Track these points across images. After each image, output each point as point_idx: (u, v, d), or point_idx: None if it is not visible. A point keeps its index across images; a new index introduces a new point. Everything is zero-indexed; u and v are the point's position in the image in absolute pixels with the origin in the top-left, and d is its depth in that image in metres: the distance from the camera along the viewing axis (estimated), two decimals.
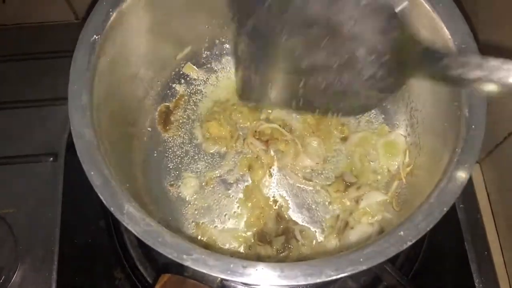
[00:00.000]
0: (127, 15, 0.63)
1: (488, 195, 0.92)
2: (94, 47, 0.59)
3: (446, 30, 0.60)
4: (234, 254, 0.70)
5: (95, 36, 0.59)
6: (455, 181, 0.53)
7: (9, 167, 0.82)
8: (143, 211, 0.52)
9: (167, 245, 0.51)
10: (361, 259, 0.50)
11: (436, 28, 0.61)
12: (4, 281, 0.73)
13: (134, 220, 0.51)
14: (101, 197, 0.52)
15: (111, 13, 0.61)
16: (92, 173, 0.53)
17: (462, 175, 0.54)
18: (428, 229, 0.52)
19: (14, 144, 0.84)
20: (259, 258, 0.70)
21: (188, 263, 0.50)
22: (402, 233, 0.52)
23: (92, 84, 0.58)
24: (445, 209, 0.52)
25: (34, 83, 0.89)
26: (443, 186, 0.53)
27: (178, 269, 0.52)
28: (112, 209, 0.52)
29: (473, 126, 0.55)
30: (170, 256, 0.50)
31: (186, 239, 0.61)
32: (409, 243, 0.51)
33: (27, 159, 0.83)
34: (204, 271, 0.50)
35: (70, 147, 0.81)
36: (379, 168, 0.76)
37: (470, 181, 0.84)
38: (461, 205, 0.80)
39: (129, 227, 0.51)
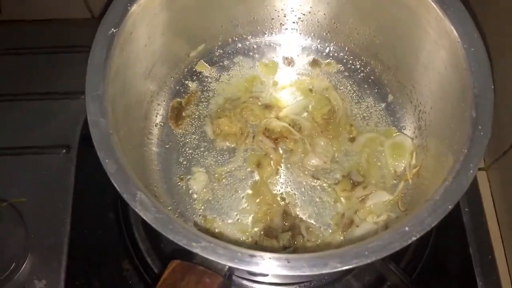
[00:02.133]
0: (144, 11, 0.65)
1: (493, 201, 0.93)
2: (112, 41, 0.61)
3: (455, 33, 0.61)
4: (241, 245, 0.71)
5: (112, 29, 0.61)
6: (461, 180, 0.55)
7: (23, 157, 0.83)
8: (154, 199, 0.54)
9: (177, 232, 0.52)
10: (366, 252, 0.51)
11: (446, 31, 0.63)
12: (14, 269, 0.74)
13: (146, 207, 0.53)
14: (115, 184, 0.54)
15: (129, 8, 0.63)
16: (107, 160, 0.55)
17: (467, 174, 0.55)
18: (433, 225, 0.53)
19: (28, 135, 0.85)
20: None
21: (197, 250, 0.51)
22: (407, 228, 0.52)
23: (108, 77, 0.60)
24: (450, 206, 0.53)
25: (50, 76, 0.91)
26: (448, 185, 0.54)
27: (185, 258, 0.53)
28: (125, 195, 0.53)
29: (479, 127, 0.56)
30: (180, 243, 0.51)
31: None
32: (414, 238, 0.52)
33: (40, 150, 0.84)
34: (213, 258, 0.51)
35: (83, 139, 0.84)
36: (386, 169, 0.77)
37: (475, 186, 0.85)
38: (466, 209, 0.81)
39: (141, 214, 0.52)
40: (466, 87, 0.60)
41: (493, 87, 0.58)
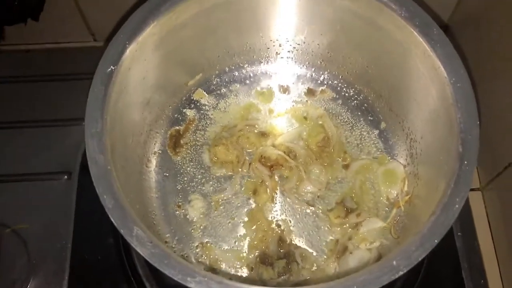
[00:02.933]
0: (141, 48, 0.67)
1: (489, 222, 0.94)
2: (110, 78, 0.63)
3: (443, 69, 0.63)
4: (235, 278, 0.72)
5: (111, 67, 0.63)
6: (447, 214, 0.56)
7: (26, 183, 0.85)
8: (150, 233, 0.56)
9: (172, 267, 0.54)
10: (355, 287, 0.53)
11: (433, 66, 0.65)
12: None
13: (142, 242, 0.55)
14: (112, 220, 0.56)
15: (127, 46, 0.65)
16: (105, 196, 0.57)
17: (453, 208, 0.56)
18: (420, 259, 0.54)
19: (31, 162, 0.87)
20: (261, 280, 0.73)
21: (191, 285, 0.53)
22: (395, 262, 0.54)
23: (107, 112, 0.62)
24: (436, 240, 0.55)
25: (52, 103, 0.93)
26: (435, 219, 0.56)
27: None
28: (122, 231, 0.55)
29: (465, 162, 0.58)
30: (175, 278, 0.53)
31: (190, 262, 0.65)
32: (401, 273, 0.54)
33: (42, 176, 0.86)
34: None
35: (84, 166, 0.85)
36: (379, 196, 0.79)
37: (468, 210, 0.86)
38: (459, 233, 0.82)
39: (138, 249, 0.54)
40: (453, 121, 0.62)
41: (478, 122, 0.60)
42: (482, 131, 0.95)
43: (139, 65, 0.69)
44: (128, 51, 0.65)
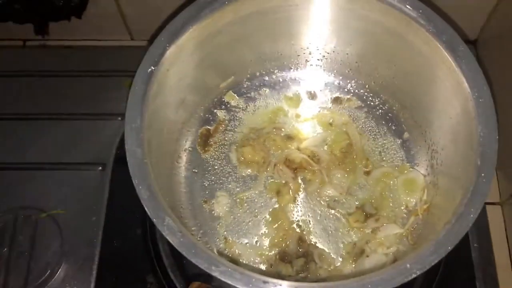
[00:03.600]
0: (180, 50, 0.71)
1: (507, 237, 0.96)
2: (150, 78, 0.67)
3: (466, 84, 0.66)
4: (256, 271, 0.76)
5: (152, 67, 0.68)
6: (461, 223, 0.59)
7: (63, 172, 0.90)
8: (180, 224, 0.60)
9: (199, 256, 0.58)
10: (369, 286, 0.56)
11: (458, 81, 0.67)
12: (49, 276, 0.80)
13: (173, 231, 0.59)
14: (146, 209, 0.60)
15: (167, 48, 0.69)
16: (141, 187, 0.61)
17: (468, 218, 0.59)
18: (433, 263, 0.57)
19: (69, 152, 0.91)
20: (280, 277, 0.76)
21: (216, 274, 0.57)
22: (408, 265, 0.57)
23: (145, 109, 0.66)
24: (449, 247, 0.58)
25: (91, 98, 0.98)
26: (450, 227, 0.59)
27: (205, 279, 0.59)
28: (154, 220, 0.59)
29: (483, 175, 0.61)
30: (201, 266, 0.57)
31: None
32: (414, 275, 0.56)
33: (79, 166, 0.90)
34: (230, 282, 0.56)
35: (118, 159, 0.90)
36: (398, 203, 0.81)
37: (485, 222, 0.88)
38: (475, 245, 0.84)
39: (168, 238, 0.58)
40: (473, 135, 0.64)
41: (497, 137, 0.62)
42: (504, 146, 0.97)
43: (177, 66, 0.73)
44: (167, 53, 0.69)
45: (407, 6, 0.70)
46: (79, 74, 1.02)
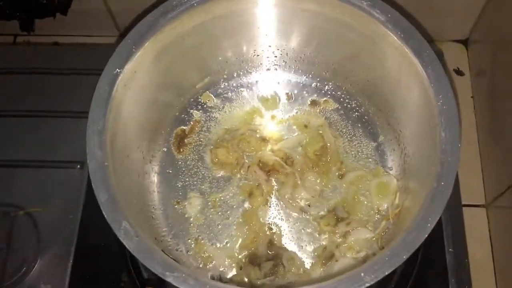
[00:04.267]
0: (149, 51, 0.71)
1: (491, 239, 0.95)
2: (116, 79, 0.68)
3: (432, 91, 0.65)
4: (223, 276, 0.76)
5: (117, 69, 0.68)
6: (418, 232, 0.58)
7: (42, 170, 0.90)
8: (137, 228, 0.60)
9: (154, 261, 0.58)
10: None
11: (424, 88, 0.67)
12: (25, 272, 0.81)
13: (129, 236, 0.59)
14: (104, 213, 0.61)
15: (134, 50, 0.69)
16: (99, 190, 0.61)
17: (426, 226, 0.58)
18: (387, 273, 0.57)
19: (48, 150, 0.92)
20: (248, 280, 0.76)
21: (169, 279, 0.57)
22: (362, 274, 0.57)
23: (109, 111, 0.66)
24: (404, 257, 0.57)
25: (74, 96, 0.98)
26: (406, 236, 0.58)
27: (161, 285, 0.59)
28: (111, 224, 0.60)
29: (442, 183, 0.60)
30: (154, 271, 0.57)
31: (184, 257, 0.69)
32: (367, 284, 0.56)
33: (58, 164, 0.90)
34: None
35: None
36: (370, 207, 0.81)
37: (461, 226, 0.87)
38: (450, 249, 0.83)
39: (124, 242, 0.59)
40: (436, 142, 0.63)
41: (459, 145, 0.61)
42: (492, 148, 0.96)
43: (145, 68, 0.73)
44: (134, 55, 0.69)
45: (376, 10, 0.69)
46: (64, 71, 1.02)
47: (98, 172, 0.63)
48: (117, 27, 1.17)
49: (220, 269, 0.78)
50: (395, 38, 0.68)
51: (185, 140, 0.87)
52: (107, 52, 1.04)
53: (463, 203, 0.88)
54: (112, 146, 0.66)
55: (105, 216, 0.60)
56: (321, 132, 0.86)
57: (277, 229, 0.80)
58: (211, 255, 0.79)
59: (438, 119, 0.64)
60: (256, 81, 0.91)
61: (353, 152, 0.85)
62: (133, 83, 0.72)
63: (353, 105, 0.88)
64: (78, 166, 0.91)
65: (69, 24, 1.13)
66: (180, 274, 0.57)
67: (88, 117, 0.66)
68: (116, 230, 0.59)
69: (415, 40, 0.67)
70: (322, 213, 0.81)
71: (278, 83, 0.91)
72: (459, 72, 1.12)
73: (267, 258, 0.78)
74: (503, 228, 0.94)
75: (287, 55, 0.88)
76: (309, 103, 0.89)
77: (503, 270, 0.92)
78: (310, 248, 0.79)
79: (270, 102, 0.89)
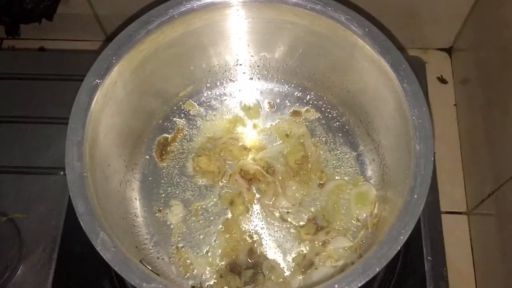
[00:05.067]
0: (129, 62, 0.72)
1: (471, 246, 0.96)
2: (95, 90, 0.68)
3: (407, 105, 0.66)
4: (203, 284, 0.77)
5: (97, 80, 0.68)
6: (391, 244, 0.59)
7: (26, 176, 0.90)
8: (115, 239, 0.61)
9: (131, 272, 0.59)
10: None
11: (400, 101, 0.68)
12: (7, 278, 0.81)
13: (106, 247, 0.60)
14: (81, 223, 0.61)
15: (114, 61, 0.70)
16: (77, 201, 0.62)
17: (398, 239, 0.59)
18: (360, 285, 0.58)
19: (33, 156, 0.92)
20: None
21: None
22: (336, 285, 0.58)
23: (89, 122, 0.67)
24: (377, 269, 0.58)
25: (59, 102, 0.98)
26: (379, 248, 0.59)
27: None
28: (88, 235, 0.60)
29: (415, 196, 0.61)
30: (132, 282, 0.58)
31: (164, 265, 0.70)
32: None
33: (42, 170, 0.91)
34: None
35: None
36: (350, 216, 0.82)
37: (440, 235, 0.88)
38: (429, 258, 0.84)
39: (101, 253, 0.60)
40: (410, 154, 0.64)
41: (433, 159, 0.63)
42: (473, 157, 0.98)
43: (126, 78, 0.73)
44: (114, 66, 0.70)
45: (354, 24, 0.70)
46: (49, 77, 1.02)
47: (76, 183, 0.63)
48: (103, 31, 1.18)
49: (201, 277, 0.78)
50: (373, 51, 0.69)
51: (168, 148, 0.88)
52: (92, 58, 1.06)
53: (444, 210, 0.89)
54: (91, 156, 0.67)
55: (83, 227, 0.61)
56: (302, 141, 0.87)
57: (258, 238, 0.81)
58: (192, 263, 0.80)
59: (412, 133, 0.65)
60: (239, 90, 0.92)
61: (333, 162, 0.86)
62: (113, 93, 0.72)
63: (334, 115, 0.89)
64: (62, 172, 0.91)
65: (55, 29, 1.13)
66: (157, 285, 0.58)
67: (67, 128, 0.66)
68: (93, 241, 0.60)
69: (392, 55, 0.68)
70: (302, 222, 0.82)
71: (261, 92, 0.91)
72: (442, 80, 1.13)
73: (247, 266, 0.79)
74: (484, 235, 0.96)
75: (269, 64, 0.89)
76: (291, 112, 0.90)
77: (484, 277, 0.93)
78: (290, 256, 0.80)
79: (253, 111, 0.90)
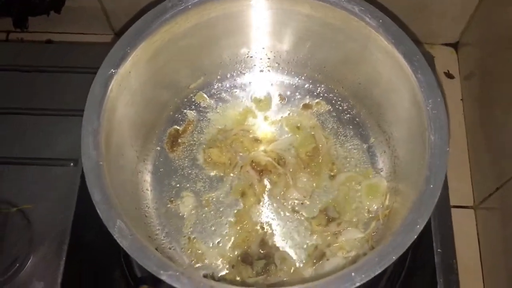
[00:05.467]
0: (144, 51, 0.72)
1: (479, 241, 0.97)
2: (110, 80, 0.68)
3: (421, 95, 0.66)
4: (216, 274, 0.77)
5: (112, 70, 0.68)
6: (406, 234, 0.60)
7: (35, 167, 0.90)
8: (132, 228, 0.61)
9: (148, 259, 0.59)
10: None
11: (414, 92, 0.68)
12: (18, 269, 0.81)
13: (123, 234, 0.60)
14: (98, 212, 0.61)
15: (128, 51, 0.70)
16: (94, 189, 0.62)
17: (414, 228, 0.60)
18: (376, 273, 0.58)
19: (42, 147, 0.92)
20: (240, 278, 0.78)
21: (164, 278, 0.58)
22: (353, 274, 0.58)
23: (104, 111, 0.67)
24: (394, 257, 0.59)
25: (67, 94, 0.98)
26: (396, 237, 0.60)
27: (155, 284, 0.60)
28: (106, 223, 0.61)
29: (431, 186, 0.61)
30: (149, 269, 0.58)
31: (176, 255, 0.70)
32: (358, 283, 0.58)
33: (51, 161, 0.90)
34: (177, 286, 0.58)
35: None
36: (361, 208, 0.82)
37: (450, 227, 0.89)
38: (439, 250, 0.85)
39: (118, 241, 0.60)
40: (425, 145, 0.65)
41: (448, 149, 0.63)
42: (480, 151, 0.98)
43: (140, 68, 0.74)
44: (129, 56, 0.70)
45: (368, 15, 0.70)
46: (57, 69, 1.02)
47: (92, 171, 0.63)
48: (110, 26, 1.18)
49: (213, 268, 0.78)
50: (386, 43, 0.70)
51: (179, 140, 0.88)
52: (100, 51, 1.05)
53: (451, 204, 0.89)
54: (106, 145, 0.67)
55: (100, 215, 0.61)
56: (313, 133, 0.87)
57: (269, 229, 0.82)
58: (204, 253, 0.80)
59: (427, 123, 0.65)
60: (250, 82, 0.92)
61: (344, 154, 0.86)
62: (127, 83, 0.72)
63: (345, 107, 0.89)
64: (72, 163, 0.91)
65: (62, 22, 1.13)
66: (174, 272, 0.58)
67: (83, 117, 0.66)
68: (110, 229, 0.60)
69: (406, 46, 0.68)
70: (313, 213, 0.82)
71: (271, 84, 0.92)
72: (449, 75, 1.14)
73: (259, 257, 0.79)
74: (490, 229, 0.96)
75: (280, 57, 0.89)
76: (301, 104, 0.90)
77: (491, 270, 0.94)
78: (301, 247, 0.80)
79: (263, 103, 0.90)
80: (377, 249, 0.60)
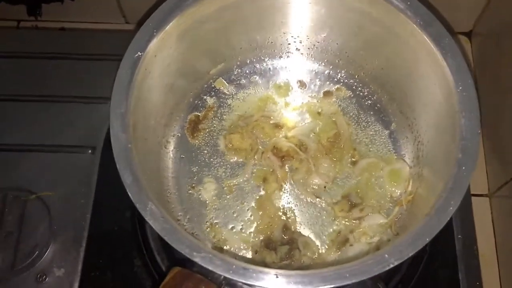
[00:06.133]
0: (169, 35, 0.72)
1: (494, 229, 0.97)
2: (137, 63, 0.68)
3: (452, 78, 0.66)
4: (240, 258, 0.77)
5: (139, 53, 0.68)
6: (440, 216, 0.60)
7: (53, 154, 0.90)
8: (163, 210, 0.60)
9: (181, 242, 0.59)
10: (347, 275, 0.57)
11: (444, 75, 0.68)
12: (37, 257, 0.81)
13: (155, 217, 0.60)
14: (129, 194, 0.61)
15: (154, 34, 0.70)
16: (124, 172, 0.62)
17: (447, 210, 0.60)
18: (410, 255, 0.58)
19: (59, 134, 0.91)
20: (264, 263, 0.77)
21: (197, 260, 0.57)
22: (386, 255, 0.58)
23: (131, 94, 0.67)
24: (427, 239, 0.58)
25: (83, 81, 0.98)
26: (429, 220, 0.59)
27: (188, 264, 0.60)
28: (137, 205, 0.60)
29: (463, 168, 0.61)
30: (182, 252, 0.58)
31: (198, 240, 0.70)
32: (392, 265, 0.57)
33: (69, 149, 0.90)
34: (210, 268, 0.57)
35: (107, 142, 0.89)
36: (383, 193, 0.82)
37: (470, 214, 0.89)
38: (459, 236, 0.85)
39: (150, 223, 0.59)
40: (456, 128, 0.65)
41: (479, 131, 0.63)
42: (495, 140, 0.98)
43: (165, 52, 0.73)
44: (155, 39, 0.69)
45: None
46: (71, 56, 1.02)
47: (122, 154, 0.63)
48: (123, 15, 1.16)
49: (236, 253, 0.78)
50: (414, 25, 0.69)
51: (199, 126, 0.87)
52: (113, 38, 1.05)
53: None
54: (134, 129, 0.66)
55: (131, 197, 0.61)
56: (334, 119, 0.87)
57: (292, 214, 0.81)
58: (226, 239, 0.80)
59: (458, 106, 0.65)
60: (269, 68, 0.91)
61: (365, 140, 0.86)
62: (152, 67, 0.72)
63: (366, 93, 0.89)
64: (89, 151, 0.91)
65: (76, 10, 1.12)
66: (207, 254, 0.58)
67: (110, 100, 0.66)
68: (142, 211, 0.60)
69: (434, 28, 0.68)
70: (335, 199, 0.82)
71: (291, 70, 0.91)
72: None
73: (282, 242, 0.79)
74: (505, 217, 0.96)
75: (300, 42, 0.88)
76: (322, 90, 0.90)
77: (506, 257, 0.94)
78: (324, 233, 0.80)
79: (283, 89, 0.90)
80: (410, 231, 0.60)
